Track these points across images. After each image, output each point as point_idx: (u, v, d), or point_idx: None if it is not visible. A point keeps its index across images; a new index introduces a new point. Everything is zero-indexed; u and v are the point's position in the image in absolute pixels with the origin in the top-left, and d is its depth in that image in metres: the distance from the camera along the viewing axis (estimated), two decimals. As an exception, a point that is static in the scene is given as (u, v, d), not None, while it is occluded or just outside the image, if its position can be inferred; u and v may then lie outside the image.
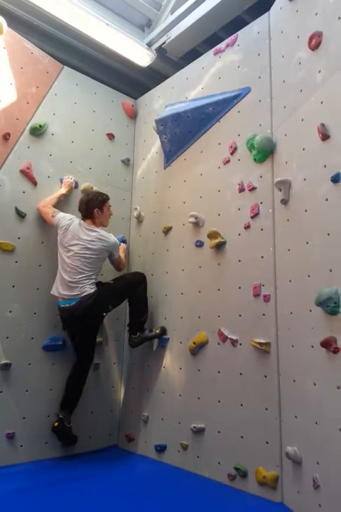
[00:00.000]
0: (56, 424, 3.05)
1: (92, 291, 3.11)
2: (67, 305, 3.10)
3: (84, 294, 3.07)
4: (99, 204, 3.30)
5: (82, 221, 3.26)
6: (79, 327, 3.17)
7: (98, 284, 3.22)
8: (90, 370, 3.30)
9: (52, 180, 3.44)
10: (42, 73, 3.52)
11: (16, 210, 3.19)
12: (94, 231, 3.23)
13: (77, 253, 3.13)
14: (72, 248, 3.15)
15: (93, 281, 3.17)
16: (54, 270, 3.31)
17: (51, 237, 3.36)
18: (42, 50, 3.58)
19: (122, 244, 3.61)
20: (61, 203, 3.43)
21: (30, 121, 3.37)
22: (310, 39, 2.43)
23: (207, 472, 2.80)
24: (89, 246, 3.15)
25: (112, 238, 3.33)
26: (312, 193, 2.31)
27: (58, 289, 3.14)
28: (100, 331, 3.48)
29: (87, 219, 3.28)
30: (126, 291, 3.34)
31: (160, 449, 3.13)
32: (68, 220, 3.26)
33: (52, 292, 3.18)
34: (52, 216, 3.27)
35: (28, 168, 3.29)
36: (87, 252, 3.14)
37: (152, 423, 3.27)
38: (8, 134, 3.21)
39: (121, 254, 3.50)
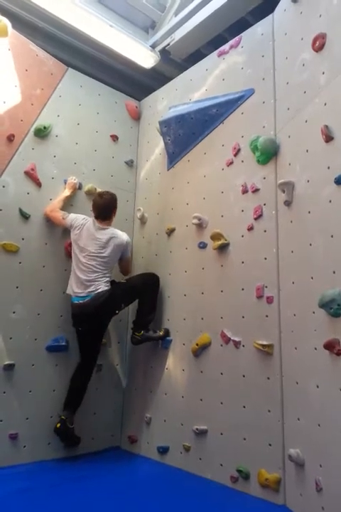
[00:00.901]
0: (58, 425, 3.05)
1: (107, 288, 3.15)
2: (80, 301, 3.13)
3: (99, 290, 3.11)
4: (116, 203, 3.40)
5: (95, 221, 3.29)
6: (89, 324, 3.17)
7: (112, 282, 3.25)
8: (95, 370, 3.32)
9: (56, 182, 3.46)
10: (47, 75, 3.54)
11: (20, 211, 3.20)
12: (108, 229, 3.30)
13: (92, 253, 3.18)
14: (87, 248, 3.19)
15: (107, 279, 3.20)
16: (58, 271, 3.34)
17: (55, 238, 3.38)
18: (46, 51, 3.59)
19: None
20: (64, 205, 3.44)
21: (34, 123, 3.38)
22: (314, 41, 2.42)
23: (210, 474, 2.79)
24: (105, 245, 3.21)
25: (125, 236, 3.39)
26: (316, 194, 2.31)
27: (72, 288, 3.18)
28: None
29: (105, 220, 3.31)
30: (140, 291, 3.36)
31: (163, 450, 3.13)
32: (82, 219, 3.31)
33: (67, 292, 3.23)
34: (63, 218, 3.31)
35: (32, 169, 3.30)
36: (102, 251, 3.20)
37: (154, 424, 3.27)
38: (13, 136, 3.23)
39: (126, 269, 3.53)
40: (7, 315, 3.05)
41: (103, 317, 3.24)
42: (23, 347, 3.09)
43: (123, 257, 3.40)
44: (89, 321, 3.16)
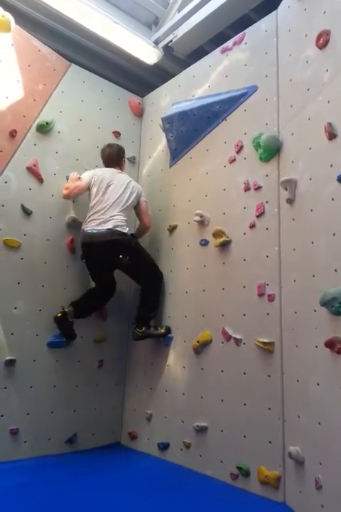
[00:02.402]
0: (59, 314, 3.15)
1: (125, 231, 3.21)
2: (95, 231, 3.16)
3: (117, 228, 3.16)
4: (124, 153, 3.63)
5: (110, 169, 3.47)
6: (99, 254, 3.20)
7: (132, 234, 3.35)
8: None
9: (59, 178, 3.45)
10: (50, 70, 3.53)
11: (22, 207, 3.20)
12: (125, 174, 3.51)
13: (113, 190, 3.27)
14: (110, 185, 3.29)
15: (125, 223, 3.24)
16: (60, 267, 3.35)
17: (57, 234, 3.38)
18: (49, 47, 3.59)
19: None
20: (67, 201, 3.45)
21: (36, 119, 3.37)
22: (318, 38, 2.41)
23: (210, 471, 2.79)
24: (125, 188, 3.32)
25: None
26: (318, 192, 2.30)
27: (89, 225, 3.20)
28: (104, 328, 3.52)
29: (117, 166, 3.50)
30: (145, 268, 3.36)
31: (163, 447, 3.14)
32: (99, 170, 3.44)
33: (82, 229, 3.26)
34: (80, 179, 3.36)
35: (34, 165, 3.30)
36: (124, 192, 3.30)
37: (155, 421, 3.28)
38: (15, 131, 3.22)
39: (146, 215, 3.52)
40: (9, 311, 3.05)
41: (111, 252, 3.19)
42: (25, 343, 3.09)
43: (140, 202, 3.45)
44: (98, 250, 3.17)
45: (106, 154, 3.52)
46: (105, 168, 3.47)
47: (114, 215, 3.19)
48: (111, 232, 3.14)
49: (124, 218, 3.25)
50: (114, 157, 3.52)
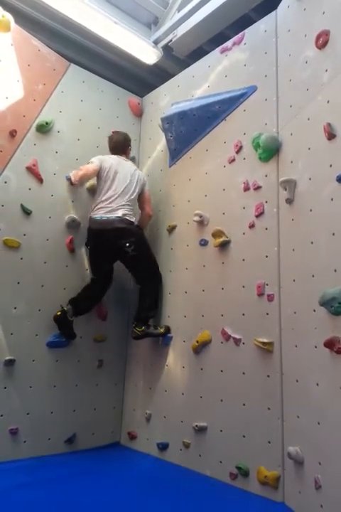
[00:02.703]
0: (59, 313, 3.17)
1: (132, 220, 3.29)
2: (104, 219, 3.20)
3: (126, 216, 3.24)
4: (130, 142, 3.69)
5: (116, 156, 3.52)
6: (107, 242, 3.22)
7: (137, 225, 3.41)
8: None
9: (58, 178, 3.45)
10: (49, 70, 3.53)
11: (22, 207, 3.20)
12: (130, 162, 3.58)
13: (121, 179, 3.33)
14: (117, 173, 3.34)
15: (133, 212, 3.33)
16: (59, 267, 3.35)
17: (56, 234, 3.38)
18: (49, 47, 3.59)
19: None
20: (67, 200, 3.47)
21: (36, 119, 3.38)
22: (318, 38, 2.41)
23: (209, 471, 2.80)
24: (131, 177, 3.38)
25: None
26: (318, 192, 2.30)
27: (97, 212, 3.24)
28: (103, 328, 3.52)
29: (123, 154, 3.58)
30: (147, 263, 3.39)
31: (162, 447, 3.14)
32: (107, 157, 3.48)
33: (89, 216, 3.29)
34: (91, 162, 3.37)
35: (34, 165, 3.30)
36: (130, 182, 3.36)
37: (154, 421, 3.28)
38: (15, 131, 3.22)
39: (148, 203, 3.57)
40: (8, 311, 3.05)
41: (119, 240, 3.22)
42: (24, 343, 3.09)
43: (143, 191, 3.51)
44: (106, 237, 3.20)
45: (114, 141, 3.59)
46: (112, 155, 3.52)
47: (123, 205, 3.26)
48: (121, 219, 3.20)
49: (131, 207, 3.33)
50: (121, 144, 3.59)
